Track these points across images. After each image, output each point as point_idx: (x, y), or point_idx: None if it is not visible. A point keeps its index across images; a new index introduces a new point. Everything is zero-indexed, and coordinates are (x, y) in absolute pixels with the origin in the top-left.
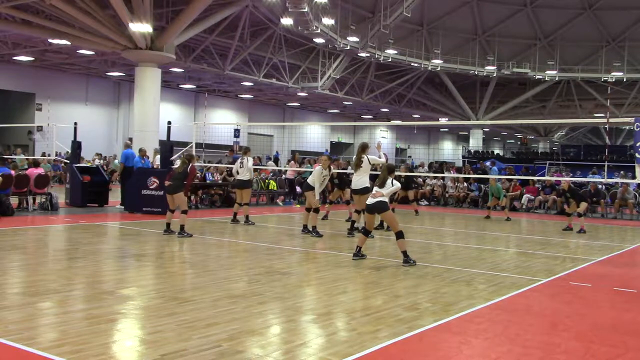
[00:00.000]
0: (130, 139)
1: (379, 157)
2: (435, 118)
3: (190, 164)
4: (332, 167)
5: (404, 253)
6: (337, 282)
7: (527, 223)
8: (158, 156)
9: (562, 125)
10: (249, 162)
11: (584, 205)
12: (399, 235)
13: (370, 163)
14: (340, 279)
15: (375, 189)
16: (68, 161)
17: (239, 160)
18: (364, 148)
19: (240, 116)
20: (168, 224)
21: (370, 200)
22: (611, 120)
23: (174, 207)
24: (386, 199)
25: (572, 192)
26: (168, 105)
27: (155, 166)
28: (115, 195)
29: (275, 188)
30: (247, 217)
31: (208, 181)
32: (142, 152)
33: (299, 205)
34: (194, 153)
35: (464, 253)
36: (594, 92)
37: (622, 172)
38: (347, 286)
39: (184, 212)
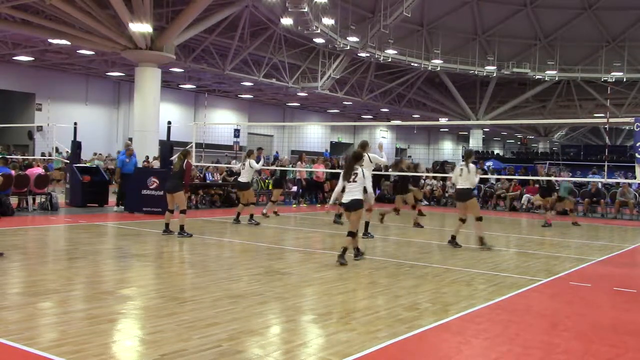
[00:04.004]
0: (130, 139)
1: (381, 158)
2: (435, 118)
3: (186, 160)
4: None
5: (344, 249)
6: (337, 282)
7: (527, 223)
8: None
9: (562, 125)
10: (252, 164)
11: (551, 200)
12: (353, 234)
13: (371, 162)
14: (340, 279)
15: (347, 184)
16: (68, 161)
17: (241, 162)
18: (363, 146)
19: (240, 116)
20: (167, 224)
21: (345, 199)
22: (611, 120)
23: (173, 207)
24: (361, 197)
25: (546, 185)
26: (168, 105)
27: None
28: (111, 195)
29: (358, 196)
30: (251, 216)
31: (208, 181)
32: (129, 151)
33: (295, 205)
34: (188, 148)
35: (464, 253)
36: (594, 92)
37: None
38: (347, 286)
39: (183, 212)
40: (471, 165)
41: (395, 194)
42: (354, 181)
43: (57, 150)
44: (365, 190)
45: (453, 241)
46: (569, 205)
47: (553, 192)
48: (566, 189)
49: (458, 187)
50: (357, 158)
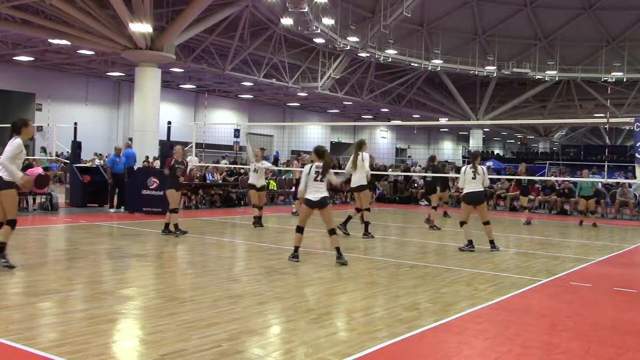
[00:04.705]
0: (131, 139)
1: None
2: (435, 118)
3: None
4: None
5: (338, 249)
6: (337, 282)
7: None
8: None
9: (562, 125)
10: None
11: (524, 199)
12: (334, 231)
13: (363, 161)
14: (340, 279)
15: (313, 183)
16: (68, 161)
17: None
18: (360, 145)
19: (240, 116)
20: (167, 224)
21: (315, 197)
22: (611, 120)
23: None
24: (327, 193)
25: (527, 184)
26: (168, 105)
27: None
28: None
29: (275, 188)
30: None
31: (208, 181)
32: (117, 150)
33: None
34: (179, 147)
35: (464, 253)
36: (594, 92)
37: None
38: (347, 286)
39: (172, 210)
40: (483, 167)
41: (430, 193)
42: (322, 180)
43: (44, 150)
44: (361, 188)
45: (471, 244)
46: (592, 206)
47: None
48: (592, 187)
49: (471, 190)
50: (321, 154)
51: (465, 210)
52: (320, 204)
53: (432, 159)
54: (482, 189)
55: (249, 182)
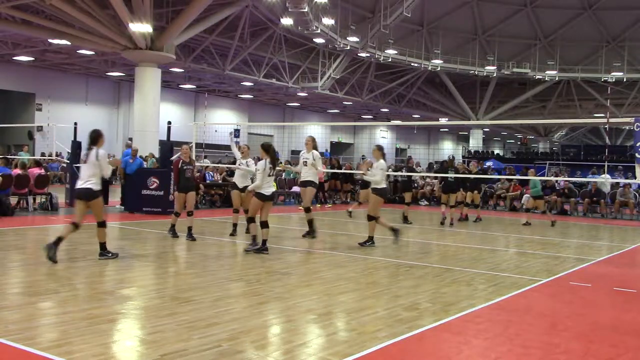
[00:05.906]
0: (131, 139)
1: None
2: (435, 118)
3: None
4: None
5: (254, 237)
6: (337, 282)
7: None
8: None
9: (562, 125)
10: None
11: (476, 196)
12: (264, 225)
13: (314, 159)
14: (340, 279)
15: (269, 179)
16: (68, 161)
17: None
18: (313, 140)
19: (240, 116)
20: (189, 228)
21: (268, 191)
22: (611, 120)
23: (190, 208)
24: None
25: (473, 181)
26: (168, 105)
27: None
28: (114, 195)
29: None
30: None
31: (208, 181)
32: (134, 151)
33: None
34: (185, 147)
35: (464, 253)
36: (594, 92)
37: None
38: (347, 286)
39: (174, 213)
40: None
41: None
42: (272, 175)
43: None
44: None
45: (371, 241)
46: (540, 205)
47: (480, 189)
48: (537, 186)
49: (386, 184)
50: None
51: (380, 205)
52: (271, 198)
53: (452, 160)
54: None
55: (232, 180)
